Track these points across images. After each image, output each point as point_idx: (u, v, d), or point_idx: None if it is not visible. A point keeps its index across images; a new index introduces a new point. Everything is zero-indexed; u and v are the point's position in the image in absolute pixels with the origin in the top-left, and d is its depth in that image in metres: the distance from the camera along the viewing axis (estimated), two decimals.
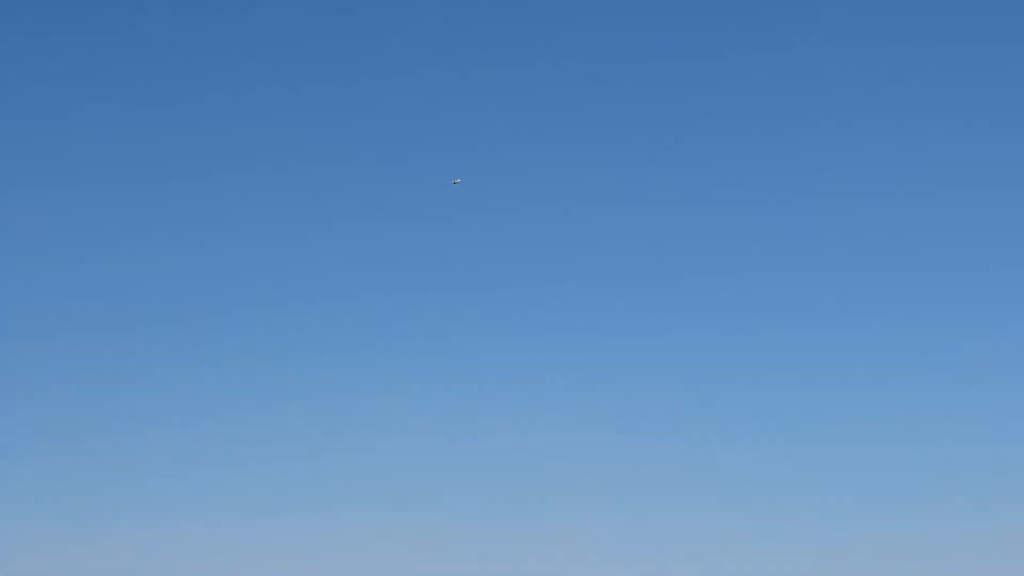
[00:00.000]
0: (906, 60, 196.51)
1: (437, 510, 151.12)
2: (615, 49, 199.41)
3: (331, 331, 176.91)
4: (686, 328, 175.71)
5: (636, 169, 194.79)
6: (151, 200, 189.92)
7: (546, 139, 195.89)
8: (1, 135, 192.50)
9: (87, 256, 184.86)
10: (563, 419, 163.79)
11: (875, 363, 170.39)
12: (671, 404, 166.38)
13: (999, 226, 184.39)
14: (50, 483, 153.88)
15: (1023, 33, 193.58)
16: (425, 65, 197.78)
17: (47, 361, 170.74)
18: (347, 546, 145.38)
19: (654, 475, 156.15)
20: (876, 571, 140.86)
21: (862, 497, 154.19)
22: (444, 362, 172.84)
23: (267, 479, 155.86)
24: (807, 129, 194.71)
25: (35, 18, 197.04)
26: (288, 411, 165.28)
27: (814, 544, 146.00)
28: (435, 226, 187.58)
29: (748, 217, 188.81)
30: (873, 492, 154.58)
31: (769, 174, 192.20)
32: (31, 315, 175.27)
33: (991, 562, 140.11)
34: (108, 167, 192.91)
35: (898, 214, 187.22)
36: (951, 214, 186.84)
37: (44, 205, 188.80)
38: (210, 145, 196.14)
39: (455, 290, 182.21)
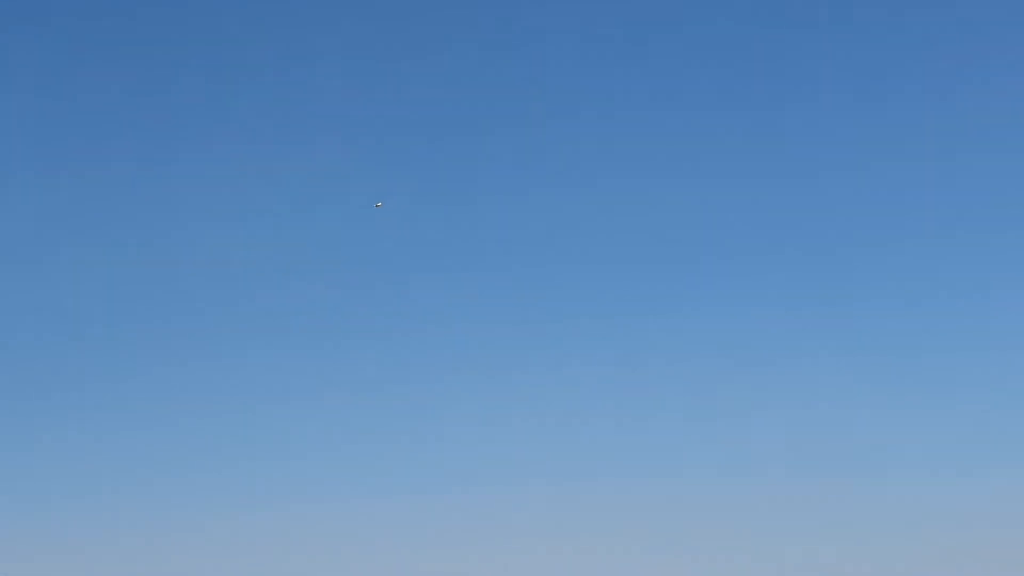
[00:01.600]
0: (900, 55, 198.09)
1: (443, 502, 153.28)
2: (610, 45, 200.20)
3: (333, 320, 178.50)
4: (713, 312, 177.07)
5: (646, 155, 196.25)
6: (170, 185, 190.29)
7: (547, 125, 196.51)
8: None
9: (98, 245, 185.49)
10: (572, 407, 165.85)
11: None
12: (684, 392, 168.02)
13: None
14: (50, 482, 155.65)
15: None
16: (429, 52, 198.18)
17: (47, 355, 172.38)
18: (359, 540, 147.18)
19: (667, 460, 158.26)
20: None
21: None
22: (447, 353, 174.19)
23: (273, 474, 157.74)
24: (810, 117, 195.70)
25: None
26: (290, 406, 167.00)
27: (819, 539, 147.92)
28: (445, 211, 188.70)
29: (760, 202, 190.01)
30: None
31: (772, 161, 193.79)
32: (31, 308, 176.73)
33: None
34: (110, 154, 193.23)
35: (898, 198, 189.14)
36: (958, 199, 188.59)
37: (39, 194, 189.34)
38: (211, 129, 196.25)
39: (449, 278, 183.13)
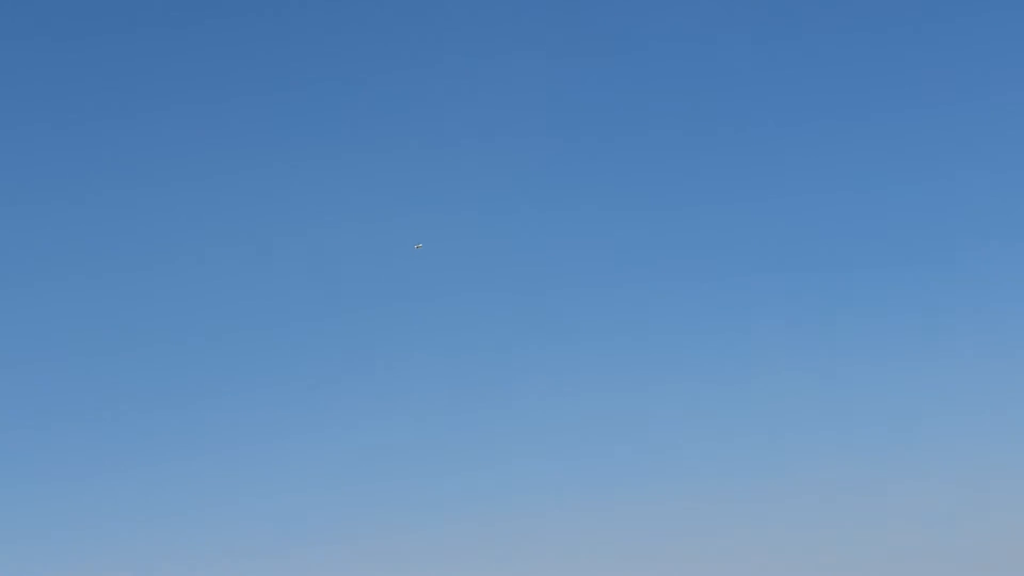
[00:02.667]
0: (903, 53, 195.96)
1: (435, 519, 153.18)
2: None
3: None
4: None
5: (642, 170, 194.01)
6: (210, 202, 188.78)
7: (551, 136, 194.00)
8: None
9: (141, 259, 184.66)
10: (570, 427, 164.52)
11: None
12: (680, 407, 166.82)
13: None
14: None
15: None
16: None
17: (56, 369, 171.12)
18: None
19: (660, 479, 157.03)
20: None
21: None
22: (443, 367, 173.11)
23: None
24: (814, 125, 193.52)
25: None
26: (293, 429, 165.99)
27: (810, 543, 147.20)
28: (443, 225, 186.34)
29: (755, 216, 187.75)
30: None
31: (770, 172, 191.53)
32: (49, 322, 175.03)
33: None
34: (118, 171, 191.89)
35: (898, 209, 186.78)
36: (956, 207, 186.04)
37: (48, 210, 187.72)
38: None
39: (447, 296, 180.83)
